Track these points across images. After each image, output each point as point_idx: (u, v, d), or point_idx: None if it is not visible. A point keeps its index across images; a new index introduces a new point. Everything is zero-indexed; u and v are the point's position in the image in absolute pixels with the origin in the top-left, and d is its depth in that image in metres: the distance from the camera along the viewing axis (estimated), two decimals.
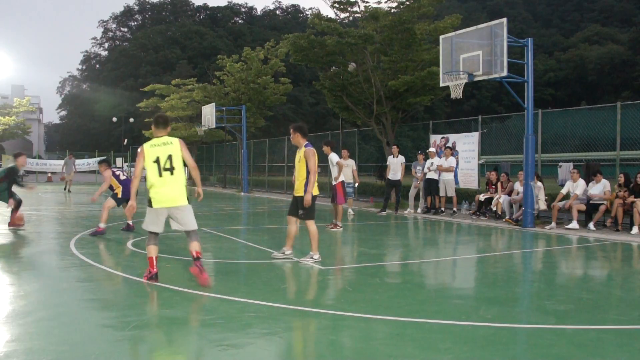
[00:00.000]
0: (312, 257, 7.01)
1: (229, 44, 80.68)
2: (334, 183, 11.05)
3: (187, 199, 5.66)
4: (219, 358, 3.57)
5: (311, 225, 6.98)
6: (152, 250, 5.65)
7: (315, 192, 7.00)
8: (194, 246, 5.62)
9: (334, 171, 11.08)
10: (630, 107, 11.95)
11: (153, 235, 5.69)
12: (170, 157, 5.57)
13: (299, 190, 6.99)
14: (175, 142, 5.67)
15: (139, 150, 5.71)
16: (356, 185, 13.51)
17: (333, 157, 11.08)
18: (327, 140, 11.59)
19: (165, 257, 7.21)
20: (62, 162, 38.11)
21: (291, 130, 7.11)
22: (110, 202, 9.60)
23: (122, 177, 9.77)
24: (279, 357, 3.71)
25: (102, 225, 9.30)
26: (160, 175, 5.54)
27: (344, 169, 11.47)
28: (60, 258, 7.30)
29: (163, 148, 5.60)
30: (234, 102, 27.26)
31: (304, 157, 6.91)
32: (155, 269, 5.65)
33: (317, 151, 7.28)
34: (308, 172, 6.89)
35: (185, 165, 5.76)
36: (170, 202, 5.56)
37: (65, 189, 24.11)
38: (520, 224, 11.59)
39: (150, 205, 5.61)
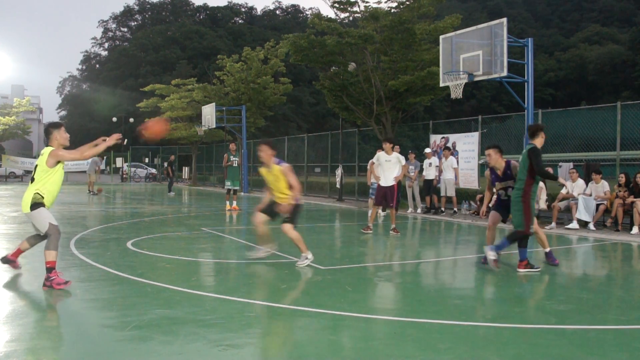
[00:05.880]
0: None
1: (229, 44, 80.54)
2: (393, 184, 10.14)
3: (37, 204, 5.47)
4: (219, 358, 3.57)
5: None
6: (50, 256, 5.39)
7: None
8: (46, 255, 5.37)
9: (397, 170, 10.21)
10: (630, 107, 11.94)
11: None
12: (36, 167, 5.63)
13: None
14: (46, 152, 5.59)
15: None
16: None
17: (398, 156, 10.34)
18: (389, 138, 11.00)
19: (165, 258, 7.22)
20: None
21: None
22: None
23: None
24: (279, 357, 3.71)
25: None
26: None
27: (378, 168, 10.63)
28: (60, 258, 7.25)
29: (39, 158, 5.68)
30: (234, 102, 27.24)
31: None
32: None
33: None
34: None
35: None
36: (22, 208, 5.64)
37: (93, 191, 21.66)
38: None
39: None
